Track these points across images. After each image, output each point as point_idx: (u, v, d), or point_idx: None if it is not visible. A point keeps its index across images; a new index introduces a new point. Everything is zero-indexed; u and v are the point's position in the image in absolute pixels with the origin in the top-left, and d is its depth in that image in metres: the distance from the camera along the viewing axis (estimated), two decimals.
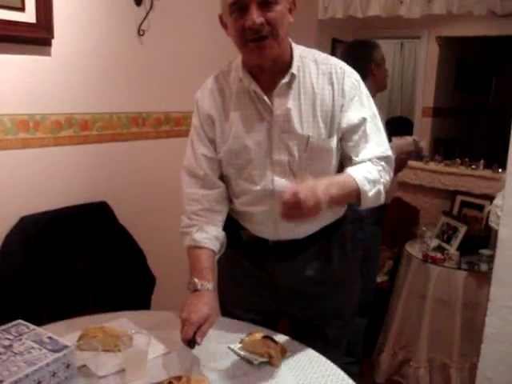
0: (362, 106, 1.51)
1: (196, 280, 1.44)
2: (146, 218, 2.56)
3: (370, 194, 1.45)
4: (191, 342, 1.32)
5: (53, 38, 2.09)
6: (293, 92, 1.47)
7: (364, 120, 1.50)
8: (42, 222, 2.13)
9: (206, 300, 1.41)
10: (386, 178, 1.52)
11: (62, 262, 2.16)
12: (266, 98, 1.46)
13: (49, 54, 2.12)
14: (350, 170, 1.47)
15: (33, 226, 2.09)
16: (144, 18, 2.45)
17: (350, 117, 1.49)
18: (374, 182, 1.46)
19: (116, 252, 2.31)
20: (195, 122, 1.57)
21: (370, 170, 1.47)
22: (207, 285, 1.44)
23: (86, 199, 2.30)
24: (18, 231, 2.07)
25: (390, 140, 2.52)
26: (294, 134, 1.47)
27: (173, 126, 2.68)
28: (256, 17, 1.34)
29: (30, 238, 2.07)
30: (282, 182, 1.49)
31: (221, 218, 1.57)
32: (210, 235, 1.52)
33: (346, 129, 1.50)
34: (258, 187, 1.52)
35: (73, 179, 2.28)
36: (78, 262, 2.21)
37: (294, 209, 1.24)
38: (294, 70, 1.47)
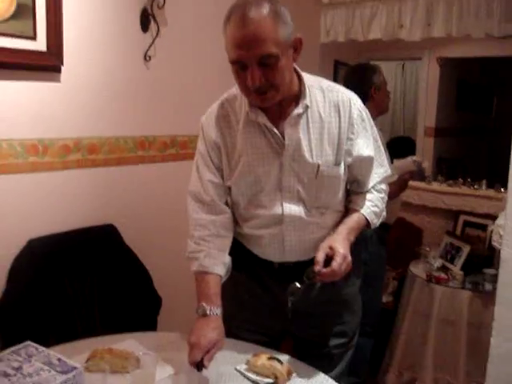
0: (367, 134, 1.58)
1: (205, 305, 1.45)
2: (153, 239, 2.59)
3: (377, 223, 1.64)
4: (199, 366, 1.34)
5: (62, 64, 2.14)
6: (302, 121, 1.50)
7: (371, 148, 1.58)
8: (50, 244, 2.15)
9: (215, 325, 1.43)
10: (386, 199, 1.69)
11: (69, 284, 2.18)
12: (276, 130, 1.49)
13: (58, 81, 2.17)
14: (360, 207, 1.60)
15: (41, 248, 2.12)
16: (150, 44, 2.50)
17: (357, 146, 1.55)
18: (380, 214, 1.65)
19: (122, 274, 2.33)
20: (201, 149, 1.59)
21: (376, 203, 1.62)
22: (216, 310, 1.46)
23: (94, 222, 2.32)
24: (26, 254, 2.10)
25: (391, 161, 2.56)
26: (305, 162, 1.50)
27: (179, 149, 2.72)
28: (257, 78, 1.36)
29: (38, 261, 2.09)
30: (291, 207, 1.53)
31: (227, 243, 1.59)
32: (218, 261, 1.53)
33: (354, 158, 1.56)
34: (268, 212, 1.55)
35: (80, 202, 2.32)
36: (85, 284, 2.23)
37: (330, 277, 1.42)
38: (307, 101, 1.49)
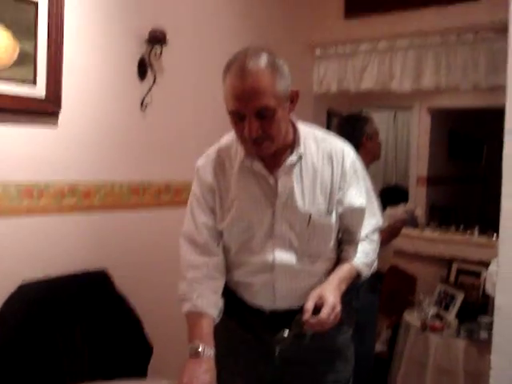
0: (359, 185, 1.60)
1: (198, 342, 1.41)
2: (146, 286, 2.56)
3: (368, 274, 1.64)
4: None
5: (60, 110, 2.18)
6: (296, 170, 1.52)
7: (363, 198, 1.60)
8: (41, 289, 2.13)
9: (207, 367, 1.39)
10: (378, 249, 1.69)
11: (58, 330, 2.15)
12: (270, 178, 1.51)
13: (55, 125, 2.20)
14: (352, 258, 1.61)
15: (32, 293, 2.09)
16: (147, 92, 2.56)
17: (349, 196, 1.57)
18: (371, 264, 1.65)
19: (113, 321, 2.29)
20: (196, 191, 1.60)
21: (368, 252, 1.63)
22: (209, 350, 1.42)
23: (86, 267, 2.31)
24: (17, 298, 2.07)
25: (383, 209, 2.59)
26: (297, 211, 1.51)
27: (173, 195, 2.73)
28: (254, 129, 1.38)
29: (28, 305, 2.06)
30: (282, 255, 1.53)
31: (220, 285, 1.57)
32: (211, 302, 1.51)
33: (345, 208, 1.57)
34: (259, 259, 1.55)
35: (74, 247, 2.31)
36: (75, 331, 2.19)
37: (318, 327, 1.40)
38: (301, 150, 1.52)
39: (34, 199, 2.15)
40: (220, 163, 1.58)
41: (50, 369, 2.09)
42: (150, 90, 2.57)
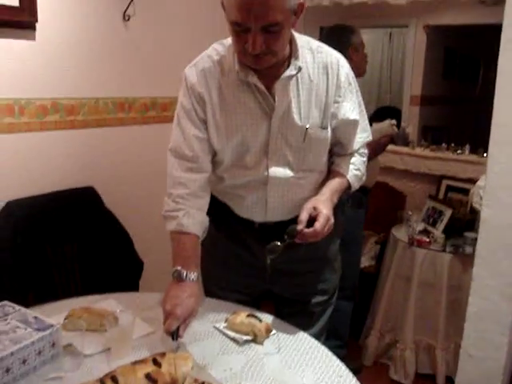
0: (353, 98, 1.57)
1: (180, 269, 1.41)
2: (133, 203, 2.57)
3: (357, 186, 1.66)
4: (174, 335, 1.33)
5: (37, 21, 2.08)
6: (292, 83, 1.46)
7: (356, 112, 1.57)
8: (29, 206, 2.13)
9: (190, 292, 1.40)
10: (367, 162, 1.71)
11: (49, 247, 2.16)
12: (266, 91, 1.44)
13: (33, 38, 2.11)
14: (344, 170, 1.61)
15: (19, 210, 2.09)
16: (129, 3, 2.44)
17: (343, 109, 1.53)
18: (361, 177, 1.66)
19: (103, 237, 2.31)
20: (185, 103, 1.50)
21: (358, 166, 1.64)
22: (191, 275, 1.42)
23: (73, 184, 2.30)
24: (4, 216, 2.07)
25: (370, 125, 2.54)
26: (293, 125, 1.48)
27: (159, 111, 2.68)
28: (258, 44, 1.30)
29: (16, 223, 2.07)
30: (277, 171, 1.51)
31: (206, 203, 1.55)
32: (196, 220, 1.49)
33: (339, 121, 1.54)
34: (252, 174, 1.53)
35: (59, 164, 2.28)
36: (64, 247, 2.22)
37: (312, 238, 1.40)
38: (300, 62, 1.46)
39: (16, 116, 2.09)
40: (211, 73, 1.48)
41: (41, 286, 2.13)
42: (132, 0, 2.44)
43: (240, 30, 1.32)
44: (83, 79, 2.33)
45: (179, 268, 1.42)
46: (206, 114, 1.49)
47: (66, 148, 2.30)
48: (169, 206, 1.50)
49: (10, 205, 2.09)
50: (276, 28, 1.30)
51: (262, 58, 1.36)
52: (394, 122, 2.77)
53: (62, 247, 2.22)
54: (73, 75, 2.28)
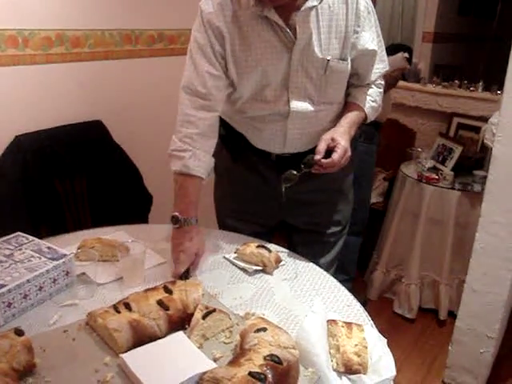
0: (372, 28, 1.52)
1: (179, 216, 1.43)
2: (141, 137, 2.55)
3: (373, 118, 1.65)
4: (183, 276, 1.36)
5: None
6: (312, 14, 1.41)
7: (375, 42, 1.53)
8: (37, 140, 2.12)
9: (191, 236, 1.42)
10: (383, 93, 1.68)
11: (58, 181, 2.17)
12: (285, 25, 1.39)
13: None
14: (360, 102, 1.59)
15: (28, 144, 2.09)
16: None
17: (362, 39, 1.50)
18: (378, 109, 1.65)
19: (112, 171, 2.32)
20: (199, 38, 1.45)
21: (375, 98, 1.62)
22: (191, 220, 1.43)
23: (81, 118, 2.28)
24: (13, 150, 2.07)
25: None
26: (314, 57, 1.44)
27: (167, 43, 2.61)
28: None
29: (25, 157, 2.07)
30: (298, 104, 1.49)
31: (213, 145, 1.52)
32: (202, 162, 1.47)
33: (359, 51, 1.51)
34: (272, 108, 1.51)
35: (66, 98, 2.25)
36: (74, 181, 2.23)
37: (329, 168, 1.42)
38: None
39: (20, 48, 2.05)
40: (228, 6, 1.42)
41: (51, 219, 2.15)
42: None
43: None
44: (88, 10, 2.26)
45: (177, 214, 1.43)
46: (225, 49, 1.45)
47: (72, 81, 2.26)
48: (175, 145, 1.47)
49: (19, 139, 2.08)
50: None
51: None
52: (406, 55, 2.69)
53: (71, 181, 2.22)
54: (77, 5, 2.21)
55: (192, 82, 1.46)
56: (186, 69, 1.50)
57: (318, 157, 1.40)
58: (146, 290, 1.22)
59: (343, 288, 1.38)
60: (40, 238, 1.47)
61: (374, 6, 2.56)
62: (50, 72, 2.17)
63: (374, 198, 3.23)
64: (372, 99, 1.61)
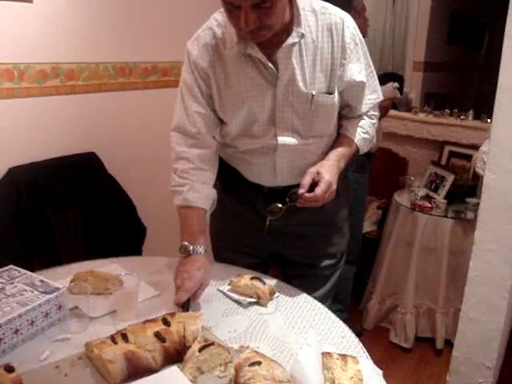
0: (360, 59, 1.52)
1: (187, 244, 1.43)
2: (135, 168, 2.56)
3: (366, 149, 1.65)
4: (185, 306, 1.35)
5: None
6: (295, 49, 1.43)
7: (363, 74, 1.53)
8: (31, 172, 2.13)
9: (199, 265, 1.41)
10: (377, 124, 1.68)
11: (52, 213, 2.17)
12: (268, 62, 1.42)
13: (30, 1, 2.06)
14: (351, 134, 1.59)
15: (22, 176, 2.09)
16: None
17: (349, 71, 1.49)
18: (370, 140, 1.64)
19: (105, 202, 2.32)
20: (187, 78, 1.49)
21: (367, 129, 1.61)
22: (199, 249, 1.44)
23: (75, 150, 2.29)
24: (7, 182, 2.07)
25: None
26: (299, 92, 1.45)
27: (160, 76, 2.65)
28: (250, 21, 1.26)
29: (19, 189, 2.07)
30: (285, 139, 1.50)
31: (212, 176, 1.55)
32: (202, 194, 1.49)
33: (346, 83, 1.51)
34: (262, 142, 1.52)
35: (60, 130, 2.27)
36: (67, 212, 2.22)
37: (313, 202, 1.40)
38: (302, 28, 1.42)
39: (15, 81, 2.07)
40: (214, 47, 1.46)
41: (45, 250, 2.14)
42: None
43: (232, 8, 1.28)
44: (83, 43, 2.29)
45: (186, 244, 1.43)
46: (211, 89, 1.48)
47: (66, 113, 2.28)
48: (174, 181, 1.50)
49: (13, 171, 2.08)
50: (267, 4, 1.25)
51: (257, 33, 1.33)
52: (396, 84, 2.73)
53: (64, 212, 2.22)
54: (72, 39, 2.25)
55: (183, 122, 1.50)
56: (176, 109, 1.53)
57: (301, 190, 1.39)
58: (145, 322, 1.21)
59: (337, 319, 1.37)
60: (33, 269, 1.46)
61: (365, 37, 2.64)
62: (44, 104, 2.19)
63: (368, 227, 3.24)
64: (363, 131, 1.60)
